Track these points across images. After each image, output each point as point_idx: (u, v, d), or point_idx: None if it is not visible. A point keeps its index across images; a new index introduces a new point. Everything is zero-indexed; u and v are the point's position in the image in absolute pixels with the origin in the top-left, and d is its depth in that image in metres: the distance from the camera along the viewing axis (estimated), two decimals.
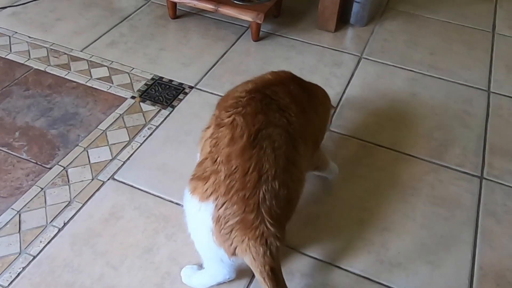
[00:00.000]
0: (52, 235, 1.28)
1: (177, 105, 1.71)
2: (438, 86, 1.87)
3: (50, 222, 1.32)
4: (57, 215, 1.33)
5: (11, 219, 1.32)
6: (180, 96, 1.74)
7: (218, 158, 1.01)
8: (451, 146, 1.61)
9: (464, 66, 1.98)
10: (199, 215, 1.01)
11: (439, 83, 1.89)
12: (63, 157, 1.49)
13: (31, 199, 1.37)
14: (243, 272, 1.20)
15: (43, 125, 1.60)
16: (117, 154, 1.51)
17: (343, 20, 2.17)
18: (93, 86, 1.76)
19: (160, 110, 1.68)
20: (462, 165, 1.55)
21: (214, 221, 1.00)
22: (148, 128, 1.61)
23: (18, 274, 1.20)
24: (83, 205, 1.36)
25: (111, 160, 1.50)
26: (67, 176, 1.44)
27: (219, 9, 2.00)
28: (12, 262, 1.22)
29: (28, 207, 1.35)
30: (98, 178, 1.44)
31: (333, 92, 1.80)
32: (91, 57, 1.91)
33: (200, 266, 1.18)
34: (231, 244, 1.00)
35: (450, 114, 1.75)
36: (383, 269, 1.25)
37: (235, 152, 1.00)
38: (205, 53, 1.96)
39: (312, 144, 1.21)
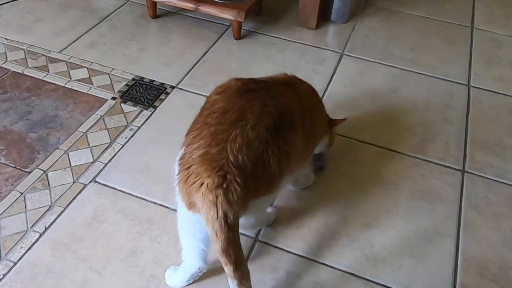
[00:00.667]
0: (33, 241, 1.26)
1: (159, 105, 1.69)
2: (419, 81, 1.89)
3: (30, 228, 1.29)
4: (38, 220, 1.31)
5: None
6: (162, 96, 1.73)
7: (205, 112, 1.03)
8: (433, 140, 1.63)
9: (444, 61, 2.00)
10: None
11: (420, 78, 1.90)
12: (43, 161, 1.47)
13: (11, 204, 1.34)
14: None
15: (21, 128, 1.57)
16: (99, 157, 1.49)
17: (324, 17, 2.17)
18: (73, 88, 1.74)
19: (141, 110, 1.66)
20: (444, 159, 1.56)
21: (179, 162, 0.99)
22: (129, 129, 1.59)
23: None
24: (65, 209, 1.34)
25: (92, 162, 1.47)
26: (48, 180, 1.41)
27: (199, 8, 1.99)
28: None
29: (8, 213, 1.32)
30: (80, 181, 1.42)
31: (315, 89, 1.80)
32: (70, 58, 1.88)
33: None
34: (190, 184, 0.94)
35: (431, 108, 1.76)
36: (368, 265, 1.26)
37: (221, 98, 1.03)
38: (187, 53, 1.95)
39: (307, 139, 1.16)
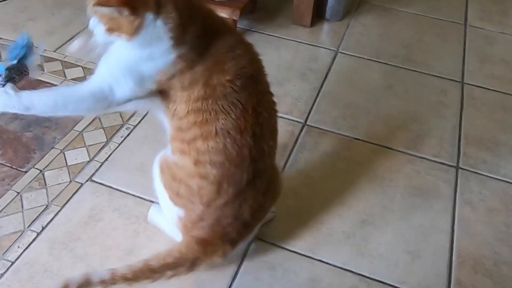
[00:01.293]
0: (30, 240, 1.26)
1: None
2: (412, 79, 1.90)
3: (27, 227, 1.29)
4: (34, 219, 1.31)
5: None
6: None
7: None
8: (427, 137, 1.64)
9: (437, 58, 2.01)
10: None
11: (414, 76, 1.92)
12: (39, 160, 1.47)
13: (7, 204, 1.34)
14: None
15: (17, 128, 1.57)
16: (95, 155, 1.49)
17: (318, 15, 2.18)
18: None
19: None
20: (438, 156, 1.58)
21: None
22: (125, 128, 1.59)
23: None
24: (61, 208, 1.34)
25: (88, 161, 1.48)
26: (44, 179, 1.41)
27: None
28: None
29: (5, 212, 1.32)
30: (76, 180, 1.42)
31: (310, 87, 1.82)
32: (64, 57, 1.87)
33: None
34: None
35: (425, 105, 1.78)
36: (364, 261, 1.27)
37: None
38: None
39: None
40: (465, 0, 2.43)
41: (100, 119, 1.61)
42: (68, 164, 1.46)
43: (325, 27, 2.17)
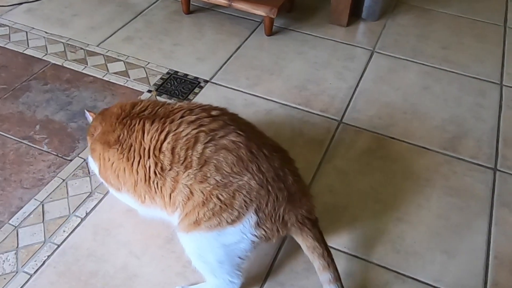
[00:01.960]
0: (75, 225, 1.32)
1: (193, 98, 1.74)
2: (450, 80, 1.89)
3: (72, 212, 1.35)
4: (79, 205, 1.37)
5: (35, 209, 1.35)
6: (196, 90, 1.77)
7: (234, 178, 1.03)
8: (465, 138, 1.63)
9: (476, 60, 1.99)
10: (233, 239, 1.05)
11: (452, 77, 1.90)
12: (83, 149, 1.52)
13: (54, 190, 1.40)
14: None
15: (62, 118, 1.63)
16: None
17: (355, 15, 2.18)
18: (110, 80, 1.79)
19: (176, 103, 1.70)
20: (475, 157, 1.56)
21: (259, 224, 1.03)
22: None
23: (44, 263, 1.23)
24: (104, 196, 1.39)
25: None
26: (88, 168, 1.47)
27: (232, 4, 2.02)
28: (37, 251, 1.25)
29: (51, 198, 1.38)
30: None
31: (346, 86, 1.83)
32: (107, 52, 1.94)
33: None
34: (286, 227, 1.06)
35: (463, 107, 1.76)
36: (399, 258, 1.28)
37: (245, 157, 1.04)
38: (219, 48, 1.99)
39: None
40: (505, 2, 2.39)
41: None
42: None
43: (362, 26, 2.17)
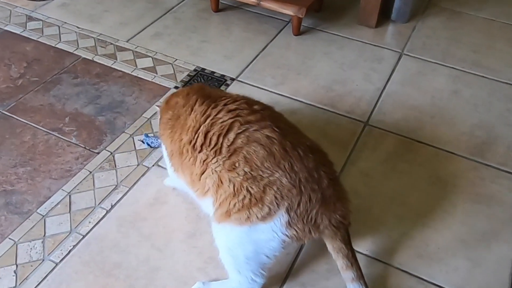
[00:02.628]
0: (100, 217, 1.34)
1: None
2: (480, 84, 1.85)
3: (98, 204, 1.37)
4: (105, 197, 1.39)
5: (62, 199, 1.38)
6: (222, 88, 1.78)
7: (264, 173, 1.02)
8: (494, 144, 1.60)
9: (508, 65, 1.94)
10: (264, 236, 1.05)
11: (482, 81, 1.86)
12: (110, 143, 1.55)
13: (80, 182, 1.43)
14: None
15: (91, 112, 1.66)
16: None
17: (384, 16, 2.16)
18: (139, 76, 1.82)
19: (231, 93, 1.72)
20: (504, 164, 1.53)
21: (291, 224, 1.03)
22: None
23: (69, 252, 1.26)
24: (129, 189, 1.42)
25: (155, 147, 1.54)
26: (114, 161, 1.49)
27: (261, 3, 2.03)
28: (63, 240, 1.28)
29: (78, 189, 1.41)
30: (143, 164, 1.49)
31: (373, 87, 1.81)
32: (136, 47, 1.97)
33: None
34: (318, 230, 1.06)
35: (493, 112, 1.72)
36: (422, 264, 1.26)
37: (278, 154, 1.03)
38: (246, 46, 1.99)
39: None
40: None
41: None
42: (137, 148, 1.54)
43: (391, 28, 2.15)
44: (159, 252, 1.26)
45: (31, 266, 1.22)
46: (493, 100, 1.78)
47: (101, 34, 2.03)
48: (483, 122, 1.68)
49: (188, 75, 1.83)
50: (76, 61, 1.88)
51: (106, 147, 1.54)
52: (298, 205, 1.02)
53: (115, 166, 1.48)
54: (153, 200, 1.39)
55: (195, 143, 1.09)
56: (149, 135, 1.55)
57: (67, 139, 1.56)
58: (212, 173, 1.06)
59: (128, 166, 1.48)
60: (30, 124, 1.60)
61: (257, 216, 1.02)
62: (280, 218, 1.02)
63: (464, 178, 1.48)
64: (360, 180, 1.47)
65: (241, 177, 1.02)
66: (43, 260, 1.24)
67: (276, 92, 1.77)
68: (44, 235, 1.29)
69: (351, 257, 1.09)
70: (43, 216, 1.34)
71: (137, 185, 1.43)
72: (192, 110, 1.13)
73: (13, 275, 1.20)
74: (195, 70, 1.86)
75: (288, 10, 2.00)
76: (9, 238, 1.28)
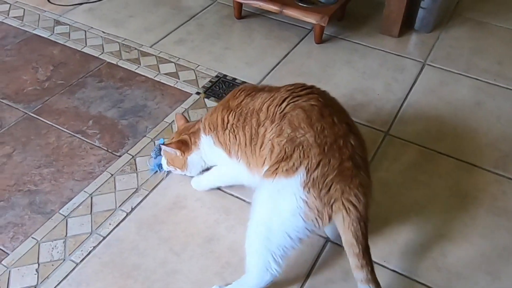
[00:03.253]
0: (121, 219, 1.37)
1: None
2: (505, 96, 1.82)
3: (119, 207, 1.40)
4: (125, 200, 1.41)
5: (84, 201, 1.41)
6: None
7: (299, 133, 1.11)
8: None
9: None
10: (284, 193, 1.08)
11: (506, 93, 1.84)
12: (132, 146, 1.58)
13: (102, 184, 1.46)
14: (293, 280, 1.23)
15: (114, 115, 1.70)
16: None
17: (407, 26, 2.15)
18: (161, 81, 1.85)
19: None
20: None
21: (308, 188, 1.06)
22: None
23: (89, 253, 1.28)
24: (149, 192, 1.44)
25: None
26: (135, 164, 1.52)
27: (283, 10, 2.04)
28: (84, 241, 1.31)
29: (99, 191, 1.44)
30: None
31: (394, 97, 1.80)
32: (159, 53, 2.00)
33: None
34: (330, 203, 1.06)
35: None
36: (440, 276, 1.24)
37: (314, 117, 1.11)
38: (268, 54, 2.01)
39: None
40: None
41: (188, 113, 1.70)
42: None
43: (414, 38, 2.14)
44: (177, 256, 1.28)
45: (52, 265, 1.25)
46: None
47: (125, 39, 2.07)
48: (507, 135, 1.66)
49: (210, 81, 1.86)
50: (101, 65, 1.92)
51: (128, 151, 1.57)
52: (317, 166, 1.06)
53: (136, 170, 1.50)
54: (172, 204, 1.41)
55: (258, 119, 1.20)
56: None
57: (90, 141, 1.59)
58: (268, 142, 1.16)
59: (149, 170, 1.50)
60: (55, 126, 1.64)
61: (282, 169, 1.08)
62: (300, 177, 1.06)
63: (486, 191, 1.46)
64: (379, 189, 1.46)
65: (285, 140, 1.12)
66: (64, 259, 1.26)
67: None
68: (66, 235, 1.32)
69: (362, 258, 1.07)
70: (65, 216, 1.37)
71: (156, 189, 1.45)
72: (254, 100, 1.24)
73: (35, 274, 1.23)
74: (217, 76, 1.88)
75: (311, 18, 2.00)
76: (32, 237, 1.31)
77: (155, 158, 1.50)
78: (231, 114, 1.26)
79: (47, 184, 1.45)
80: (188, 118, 1.54)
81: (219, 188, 1.45)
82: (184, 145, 1.37)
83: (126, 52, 2.00)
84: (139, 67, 1.92)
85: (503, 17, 2.26)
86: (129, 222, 1.36)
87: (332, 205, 1.07)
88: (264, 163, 1.18)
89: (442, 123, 1.70)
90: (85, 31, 2.11)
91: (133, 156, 1.55)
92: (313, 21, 2.00)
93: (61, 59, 1.94)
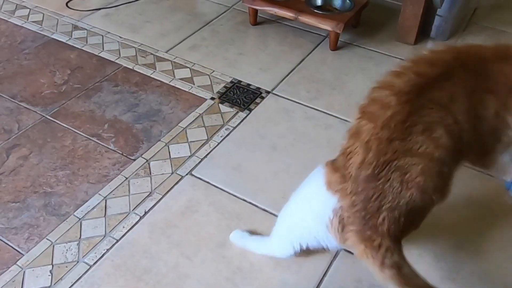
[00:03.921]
0: (134, 222, 1.37)
1: (254, 108, 1.76)
2: None
3: (132, 210, 1.41)
4: (139, 204, 1.42)
5: (98, 204, 1.42)
6: (257, 100, 1.80)
7: (349, 170, 1.02)
8: None
9: None
10: (322, 198, 1.08)
11: None
12: (146, 151, 1.59)
13: (116, 187, 1.47)
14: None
15: (129, 119, 1.71)
16: (196, 151, 1.59)
17: (423, 33, 2.14)
18: (176, 86, 1.86)
19: (237, 112, 1.74)
20: None
21: (334, 215, 1.06)
22: (225, 129, 1.67)
23: (102, 255, 1.29)
24: (163, 196, 1.45)
25: (189, 156, 1.57)
26: (149, 168, 1.53)
27: (299, 17, 2.04)
28: (97, 244, 1.32)
29: (114, 194, 1.45)
30: (177, 172, 1.52)
31: None
32: (175, 58, 2.01)
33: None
34: (345, 240, 1.06)
35: None
36: None
37: (362, 177, 0.99)
38: (282, 60, 2.01)
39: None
40: None
41: (202, 118, 1.71)
42: (171, 157, 1.57)
43: (430, 46, 2.12)
44: (188, 260, 1.28)
45: (66, 267, 1.26)
46: None
47: (142, 44, 2.09)
48: None
49: (225, 86, 1.86)
50: (117, 69, 1.94)
51: (142, 155, 1.58)
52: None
53: (150, 173, 1.51)
54: (184, 208, 1.41)
55: None
56: None
57: (105, 145, 1.61)
58: None
59: (162, 174, 1.51)
60: (71, 129, 1.66)
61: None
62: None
63: (503, 203, 1.44)
64: None
65: None
66: (78, 261, 1.27)
67: (310, 106, 1.78)
68: (80, 238, 1.33)
69: None
70: (80, 219, 1.38)
71: (170, 193, 1.46)
72: None
73: (49, 275, 1.24)
74: (231, 82, 1.89)
75: (326, 25, 2.00)
76: (47, 239, 1.33)
77: None
78: None
79: (62, 186, 1.47)
80: None
81: (231, 193, 1.45)
82: None
83: (142, 57, 2.02)
84: (154, 72, 1.94)
85: None
86: (142, 225, 1.37)
87: (347, 242, 1.08)
88: None
89: None
90: (102, 36, 2.14)
91: (147, 160, 1.56)
92: (329, 28, 2.00)
93: (78, 63, 1.97)
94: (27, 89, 1.84)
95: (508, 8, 2.36)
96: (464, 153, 1.08)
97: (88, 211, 1.40)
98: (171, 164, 1.55)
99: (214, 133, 1.66)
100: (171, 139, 1.63)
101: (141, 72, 1.93)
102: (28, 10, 2.31)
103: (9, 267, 1.26)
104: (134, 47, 2.07)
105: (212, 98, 1.81)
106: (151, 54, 2.04)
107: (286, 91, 1.85)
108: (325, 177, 1.09)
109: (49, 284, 1.23)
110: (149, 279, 1.24)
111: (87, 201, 1.43)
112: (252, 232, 1.33)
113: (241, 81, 1.89)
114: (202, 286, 1.22)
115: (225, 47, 2.08)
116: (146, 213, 1.40)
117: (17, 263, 1.27)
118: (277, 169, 1.53)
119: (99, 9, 2.32)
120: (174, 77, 1.91)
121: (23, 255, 1.29)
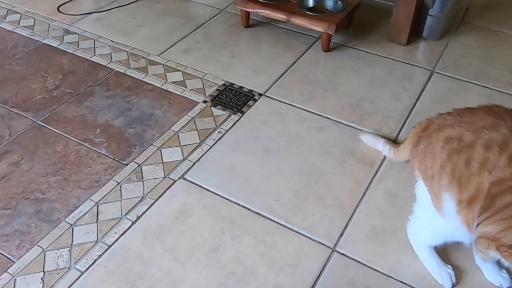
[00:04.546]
0: (126, 228, 1.36)
1: (247, 111, 1.76)
2: None
3: (124, 215, 1.40)
4: (131, 209, 1.41)
5: (90, 209, 1.41)
6: (250, 103, 1.79)
7: None
8: None
9: None
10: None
11: None
12: (138, 155, 1.58)
13: (108, 192, 1.46)
14: None
15: (121, 123, 1.70)
16: (188, 155, 1.58)
17: (415, 33, 2.14)
18: (168, 89, 1.85)
19: (230, 115, 1.73)
20: None
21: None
22: (218, 132, 1.67)
23: (94, 261, 1.28)
24: (155, 201, 1.44)
25: (182, 160, 1.56)
26: (142, 173, 1.52)
27: (291, 19, 2.04)
28: (89, 250, 1.31)
29: (105, 200, 1.44)
30: (170, 176, 1.51)
31: (402, 106, 1.79)
32: (167, 62, 2.01)
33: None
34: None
35: None
36: None
37: None
38: (275, 62, 2.01)
39: None
40: None
41: (195, 122, 1.71)
42: (164, 161, 1.56)
43: (422, 46, 2.12)
44: (181, 265, 1.27)
45: (58, 274, 1.25)
46: None
47: (133, 48, 2.08)
48: None
49: (217, 89, 1.86)
50: (109, 74, 1.93)
51: (134, 159, 1.57)
52: None
53: (142, 178, 1.50)
54: (177, 213, 1.40)
55: None
56: None
57: (97, 150, 1.60)
58: None
59: (155, 178, 1.50)
60: (62, 135, 1.65)
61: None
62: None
63: None
64: (386, 200, 1.45)
65: None
66: (69, 268, 1.26)
67: (303, 108, 1.77)
68: (71, 244, 1.32)
69: None
70: (71, 225, 1.37)
71: (162, 197, 1.45)
72: None
73: (40, 282, 1.23)
74: (224, 84, 1.88)
75: (318, 27, 2.00)
76: (38, 246, 1.31)
77: None
78: None
79: (54, 192, 1.46)
80: None
81: (224, 197, 1.44)
82: None
83: (134, 61, 2.01)
84: (146, 75, 1.93)
85: None
86: (135, 230, 1.36)
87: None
88: None
89: None
90: (94, 40, 2.13)
91: (139, 165, 1.55)
92: (321, 30, 2.00)
93: (70, 68, 1.96)
94: (19, 94, 1.83)
95: (500, 7, 2.37)
96: None
97: (80, 217, 1.39)
98: (163, 169, 1.54)
99: (207, 137, 1.65)
100: (163, 143, 1.62)
101: (133, 76, 1.92)
102: (19, 15, 2.30)
103: None
104: (126, 51, 2.06)
105: (205, 101, 1.80)
106: (143, 57, 2.03)
107: (279, 94, 1.84)
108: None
109: None
110: (142, 284, 1.23)
111: (78, 206, 1.42)
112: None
113: (233, 84, 1.88)
114: None
115: (217, 50, 2.08)
116: (138, 218, 1.39)
117: (8, 270, 1.26)
118: (271, 172, 1.52)
119: (91, 13, 2.31)
120: (166, 80, 1.90)
121: (14, 262, 1.28)
